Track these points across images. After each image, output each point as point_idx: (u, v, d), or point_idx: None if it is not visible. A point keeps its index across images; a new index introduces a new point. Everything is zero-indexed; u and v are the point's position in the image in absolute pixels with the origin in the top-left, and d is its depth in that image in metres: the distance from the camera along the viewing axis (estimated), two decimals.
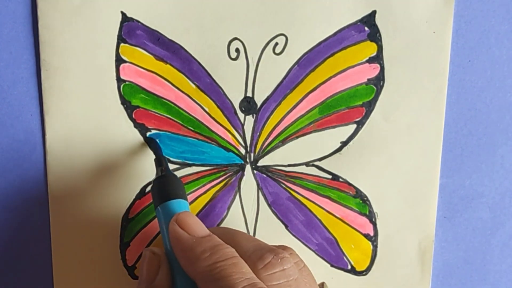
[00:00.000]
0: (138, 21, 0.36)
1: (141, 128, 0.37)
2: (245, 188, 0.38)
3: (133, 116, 0.37)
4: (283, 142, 0.38)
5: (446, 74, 0.38)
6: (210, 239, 0.30)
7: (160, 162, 0.35)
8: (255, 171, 0.38)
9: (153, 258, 0.31)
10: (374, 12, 0.37)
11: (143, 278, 0.31)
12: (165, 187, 0.33)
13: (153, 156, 0.36)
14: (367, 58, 0.37)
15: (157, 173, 0.35)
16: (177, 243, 0.30)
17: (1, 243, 0.38)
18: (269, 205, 0.38)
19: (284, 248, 0.31)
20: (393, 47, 0.37)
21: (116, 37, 0.36)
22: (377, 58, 0.37)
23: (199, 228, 0.31)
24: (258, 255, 0.30)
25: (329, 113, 0.38)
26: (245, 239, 0.32)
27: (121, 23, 0.36)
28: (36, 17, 0.36)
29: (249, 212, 0.38)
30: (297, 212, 0.39)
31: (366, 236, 0.39)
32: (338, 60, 0.37)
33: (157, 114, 0.37)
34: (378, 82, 0.37)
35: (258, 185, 0.38)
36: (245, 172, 0.38)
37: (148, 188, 0.38)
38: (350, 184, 0.39)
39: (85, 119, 0.37)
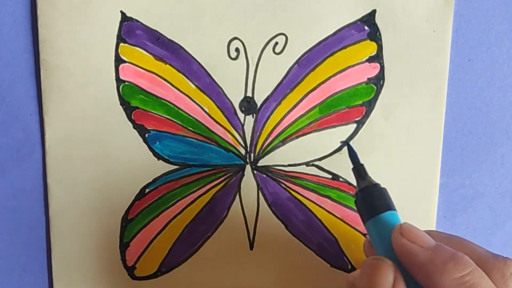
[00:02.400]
0: (137, 21, 0.36)
1: (141, 129, 0.37)
2: (245, 189, 0.38)
3: (133, 117, 0.37)
4: (283, 142, 0.38)
5: (446, 73, 0.37)
6: (444, 249, 0.28)
7: (360, 172, 0.33)
8: (255, 171, 0.38)
9: (388, 269, 0.28)
10: (374, 12, 0.37)
11: (376, 286, 0.28)
12: (375, 199, 0.31)
13: (153, 157, 0.36)
14: (367, 57, 0.37)
15: (360, 184, 0.32)
16: (411, 257, 0.28)
17: (1, 243, 0.38)
18: (269, 205, 0.38)
19: None
20: (393, 47, 0.37)
21: (115, 36, 0.36)
22: (377, 58, 0.37)
23: (428, 239, 0.28)
24: (501, 262, 0.28)
25: (329, 113, 0.38)
26: (474, 244, 0.29)
27: (121, 22, 0.36)
28: (35, 17, 0.36)
29: (249, 212, 0.38)
30: (297, 212, 0.39)
31: (366, 236, 0.39)
32: (338, 60, 0.37)
33: (156, 115, 0.37)
34: (378, 81, 0.37)
35: (258, 185, 0.38)
36: (245, 173, 0.38)
37: (148, 189, 0.38)
38: (350, 184, 0.38)
39: (85, 119, 0.37)
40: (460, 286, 0.26)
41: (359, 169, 0.33)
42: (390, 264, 0.28)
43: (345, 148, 0.38)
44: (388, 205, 0.31)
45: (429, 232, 0.30)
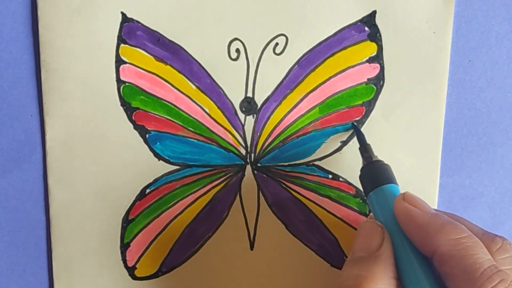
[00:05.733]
0: (138, 22, 0.36)
1: (141, 130, 0.37)
2: (246, 189, 0.38)
3: (133, 117, 0.37)
4: (284, 142, 0.38)
5: (446, 74, 0.38)
6: (442, 215, 0.29)
7: (366, 149, 0.36)
8: (255, 172, 0.38)
9: (377, 229, 0.31)
10: (374, 12, 0.37)
11: (363, 246, 0.30)
12: (379, 173, 0.34)
13: (154, 158, 0.36)
14: (367, 58, 0.37)
15: (366, 160, 0.35)
16: (411, 219, 0.30)
17: (1, 243, 0.38)
18: (270, 205, 0.38)
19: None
20: (393, 47, 0.37)
21: (116, 37, 0.36)
22: (377, 58, 0.37)
23: (428, 206, 0.30)
24: (489, 238, 0.29)
25: (329, 113, 0.38)
26: (469, 222, 0.31)
27: (121, 23, 0.36)
28: (36, 18, 0.36)
29: (250, 212, 0.38)
30: (297, 212, 0.39)
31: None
32: (338, 60, 0.37)
33: (157, 116, 0.37)
34: (378, 81, 0.37)
35: (258, 185, 0.38)
36: (246, 173, 0.38)
37: (148, 190, 0.38)
38: (350, 184, 0.39)
39: (85, 120, 0.37)
40: (456, 246, 0.27)
41: (366, 148, 0.36)
42: (379, 225, 0.31)
43: (345, 148, 0.38)
44: (390, 178, 0.33)
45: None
